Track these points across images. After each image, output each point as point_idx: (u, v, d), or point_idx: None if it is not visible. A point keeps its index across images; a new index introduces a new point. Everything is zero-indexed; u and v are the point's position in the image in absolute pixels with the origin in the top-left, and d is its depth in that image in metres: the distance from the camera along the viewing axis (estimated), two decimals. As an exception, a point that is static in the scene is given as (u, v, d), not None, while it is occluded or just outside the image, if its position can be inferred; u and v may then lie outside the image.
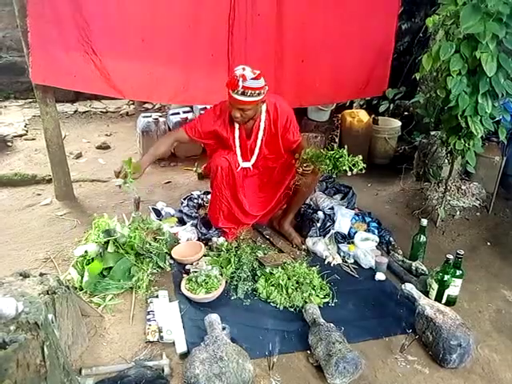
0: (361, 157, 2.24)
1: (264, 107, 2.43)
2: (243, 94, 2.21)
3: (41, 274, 1.84)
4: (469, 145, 2.54)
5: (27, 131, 4.39)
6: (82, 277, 2.17)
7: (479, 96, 2.36)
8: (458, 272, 2.11)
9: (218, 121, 2.46)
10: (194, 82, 2.89)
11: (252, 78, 2.19)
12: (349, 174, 2.20)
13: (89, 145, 4.28)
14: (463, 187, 3.09)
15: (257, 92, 2.22)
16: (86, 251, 2.20)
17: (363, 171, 2.22)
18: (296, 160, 2.38)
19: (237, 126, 2.45)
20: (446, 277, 2.10)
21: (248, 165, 2.59)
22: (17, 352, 1.31)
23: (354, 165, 2.20)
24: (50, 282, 1.78)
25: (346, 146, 2.29)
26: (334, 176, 2.41)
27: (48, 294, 1.71)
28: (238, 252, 2.45)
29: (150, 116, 4.00)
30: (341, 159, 2.20)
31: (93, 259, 2.19)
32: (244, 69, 2.20)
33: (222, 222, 2.63)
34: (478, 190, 3.10)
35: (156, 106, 5.13)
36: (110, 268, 2.22)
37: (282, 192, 2.64)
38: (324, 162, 2.23)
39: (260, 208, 2.69)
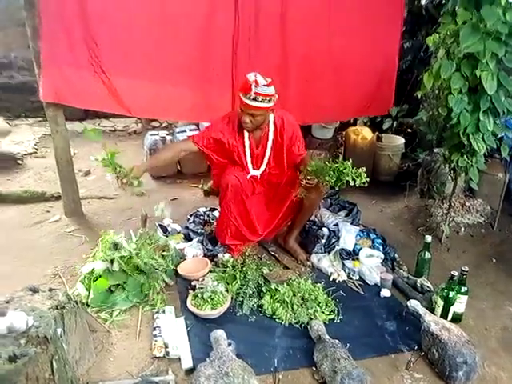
0: (364, 169, 2.27)
1: (272, 118, 2.48)
2: (255, 99, 2.27)
3: (50, 290, 1.87)
4: (471, 162, 2.57)
5: (37, 149, 4.49)
6: (90, 292, 2.20)
7: (480, 114, 2.39)
8: (463, 289, 2.11)
9: (226, 129, 2.50)
10: (199, 100, 2.96)
11: (264, 85, 2.26)
12: (351, 183, 2.23)
13: (97, 162, 4.33)
14: (467, 204, 3.10)
15: (267, 98, 2.29)
16: (92, 269, 2.23)
17: (366, 184, 2.25)
18: (300, 172, 2.42)
19: (246, 134, 2.50)
20: (451, 293, 2.10)
21: (257, 173, 2.61)
22: (26, 366, 1.34)
23: (357, 176, 2.24)
24: (59, 297, 1.81)
25: (350, 159, 2.33)
26: (338, 188, 2.44)
27: (57, 308, 1.74)
28: (244, 268, 2.46)
29: (157, 134, 4.07)
30: (345, 171, 2.24)
31: (100, 276, 2.21)
32: (256, 75, 2.27)
33: (229, 239, 2.65)
34: (482, 206, 3.11)
35: (163, 125, 5.22)
36: (118, 284, 2.25)
37: (286, 207, 2.67)
38: (328, 174, 2.26)
39: (266, 225, 2.72)
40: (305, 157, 2.61)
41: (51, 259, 2.65)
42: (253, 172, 2.61)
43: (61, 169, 3.07)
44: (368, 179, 2.25)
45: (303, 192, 2.44)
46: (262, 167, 2.61)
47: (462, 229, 2.99)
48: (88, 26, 2.65)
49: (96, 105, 3.01)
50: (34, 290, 1.85)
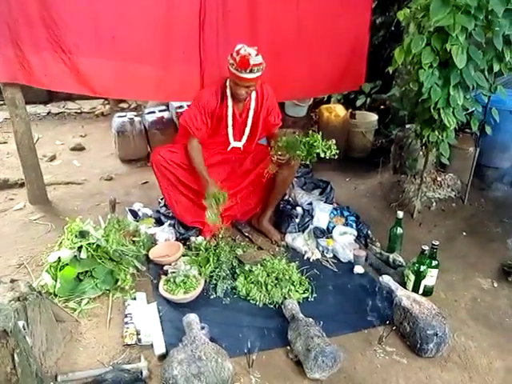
0: (334, 141, 2.26)
1: None
2: (251, 71, 2.25)
3: (11, 281, 1.80)
4: (442, 136, 2.58)
5: (-2, 134, 4.29)
6: (56, 282, 2.12)
7: (451, 88, 2.39)
8: (434, 262, 2.14)
9: (212, 101, 2.46)
10: (166, 79, 2.84)
11: (256, 55, 2.24)
12: (322, 156, 2.22)
13: (63, 147, 4.20)
14: (439, 179, 3.14)
15: (261, 67, 2.28)
16: (59, 257, 2.15)
17: (336, 156, 2.25)
18: (271, 148, 2.40)
19: (230, 103, 2.46)
20: (422, 267, 2.13)
21: (239, 144, 2.60)
22: (-16, 361, 1.28)
23: (327, 149, 2.23)
24: (21, 288, 1.74)
25: (320, 132, 2.32)
26: (309, 162, 2.44)
27: (19, 300, 1.67)
28: (217, 251, 2.43)
29: (125, 116, 3.94)
30: (315, 144, 2.22)
31: (67, 264, 2.13)
32: (245, 48, 2.24)
33: (191, 220, 2.62)
34: (453, 181, 3.15)
35: (132, 106, 5.06)
36: (87, 271, 2.18)
37: (248, 182, 2.64)
38: (299, 148, 2.25)
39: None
40: (276, 133, 2.59)
41: (16, 249, 2.55)
42: (234, 143, 2.58)
43: (23, 154, 2.93)
44: (338, 151, 2.26)
45: (274, 168, 2.42)
46: (244, 137, 2.58)
47: (434, 203, 3.02)
48: (45, 1, 2.49)
49: (57, 85, 2.86)
50: (-5, 282, 1.77)
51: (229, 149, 2.59)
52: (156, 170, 2.49)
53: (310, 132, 2.32)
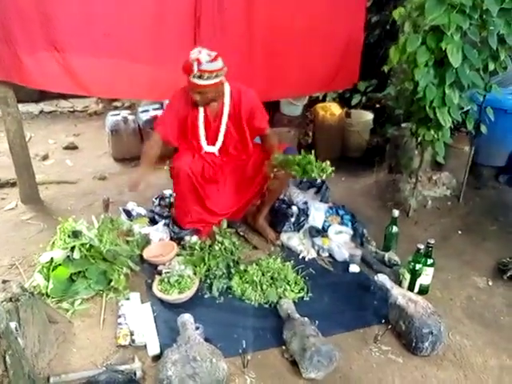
0: (328, 162, 2.23)
1: (228, 91, 2.39)
2: (200, 77, 2.18)
3: (3, 282, 1.79)
4: (438, 135, 2.58)
5: (-11, 133, 4.22)
6: (49, 282, 2.09)
7: (446, 87, 2.39)
8: (429, 261, 2.14)
9: (181, 104, 2.41)
10: (161, 77, 2.82)
11: (208, 61, 2.15)
12: (318, 180, 2.20)
13: (55, 146, 4.15)
14: (434, 177, 3.14)
15: (214, 74, 2.19)
16: (51, 258, 2.12)
17: (333, 175, 2.22)
18: (267, 166, 2.37)
19: (201, 109, 2.41)
20: (418, 266, 2.12)
21: (213, 149, 2.54)
22: (-26, 363, 1.26)
23: (322, 170, 2.20)
24: (13, 289, 1.72)
25: (312, 152, 2.28)
26: (305, 180, 2.42)
27: (11, 301, 1.65)
28: (212, 252, 2.40)
29: (119, 114, 3.90)
30: (308, 165, 2.20)
31: (59, 265, 2.10)
32: (200, 52, 2.16)
33: (189, 224, 2.59)
34: (448, 179, 3.16)
35: (125, 104, 5.01)
36: (80, 272, 2.15)
37: (254, 188, 2.61)
38: (294, 169, 2.24)
39: (232, 204, 2.65)
40: (269, 134, 2.54)
41: (7, 249, 2.52)
42: (207, 148, 2.53)
43: (15, 153, 2.90)
44: (333, 168, 2.22)
45: (275, 182, 2.41)
46: (218, 143, 2.52)
47: (429, 202, 3.03)
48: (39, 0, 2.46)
49: (51, 85, 2.83)
50: (-15, 283, 1.74)
51: (202, 152, 2.51)
52: (180, 176, 2.41)
53: (303, 152, 2.28)
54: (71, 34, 2.59)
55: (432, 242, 2.12)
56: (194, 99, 2.31)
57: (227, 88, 2.39)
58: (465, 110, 2.66)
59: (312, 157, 2.24)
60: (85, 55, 2.66)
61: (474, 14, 2.24)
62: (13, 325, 1.53)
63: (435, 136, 2.58)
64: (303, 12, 2.99)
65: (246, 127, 2.49)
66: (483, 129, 2.78)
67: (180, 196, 2.51)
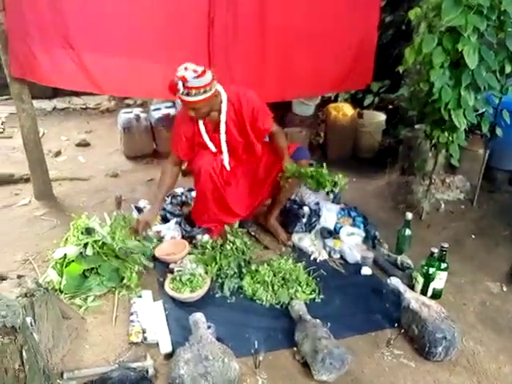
0: (341, 175, 2.23)
1: (225, 99, 2.35)
2: (188, 94, 2.14)
3: (18, 277, 1.80)
4: (452, 138, 2.56)
5: (4, 129, 4.27)
6: (62, 278, 2.11)
7: (462, 89, 2.37)
8: (443, 265, 2.12)
9: (183, 123, 2.41)
10: (173, 76, 2.82)
11: (194, 77, 2.11)
12: (331, 196, 2.20)
13: (68, 142, 4.19)
14: (448, 180, 3.11)
15: (202, 90, 2.14)
16: (65, 254, 2.13)
17: (346, 187, 2.24)
18: (280, 178, 2.38)
19: (200, 122, 2.39)
20: (431, 270, 2.10)
21: (222, 158, 2.51)
22: (-7, 358, 1.27)
23: (334, 184, 2.21)
24: (28, 284, 1.74)
25: (324, 165, 2.28)
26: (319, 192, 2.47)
27: (26, 296, 1.67)
28: (223, 251, 2.40)
29: (131, 112, 3.92)
30: (321, 179, 2.21)
31: (73, 261, 2.12)
32: (186, 68, 2.12)
33: (206, 222, 2.59)
34: (462, 182, 3.13)
35: (138, 102, 5.04)
36: (92, 268, 2.17)
37: (266, 188, 2.61)
38: (308, 182, 2.25)
39: (247, 206, 2.65)
40: (276, 133, 2.51)
41: (21, 244, 2.54)
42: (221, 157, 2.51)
43: (29, 149, 2.93)
44: (347, 181, 2.23)
45: (289, 189, 2.45)
46: (224, 151, 2.48)
47: (442, 205, 3.00)
48: None
49: (65, 83, 2.85)
50: (1, 278, 1.77)
51: (226, 166, 2.51)
52: (201, 175, 2.40)
53: (314, 164, 2.30)
54: (86, 32, 2.60)
55: (446, 245, 2.10)
56: (190, 115, 2.29)
57: (224, 96, 2.34)
58: (480, 112, 2.64)
59: (324, 170, 2.24)
60: (99, 53, 2.67)
61: (491, 15, 2.21)
62: (28, 320, 1.54)
63: (450, 138, 2.56)
64: (316, 12, 2.97)
65: (250, 130, 2.44)
66: (498, 132, 2.75)
67: (200, 195, 2.50)
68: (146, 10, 2.64)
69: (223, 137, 2.43)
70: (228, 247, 2.41)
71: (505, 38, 2.30)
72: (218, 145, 2.47)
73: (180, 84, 2.11)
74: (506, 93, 2.56)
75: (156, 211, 2.47)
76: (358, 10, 3.11)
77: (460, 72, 2.34)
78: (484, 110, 2.63)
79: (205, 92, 2.16)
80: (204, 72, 2.15)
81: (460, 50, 2.23)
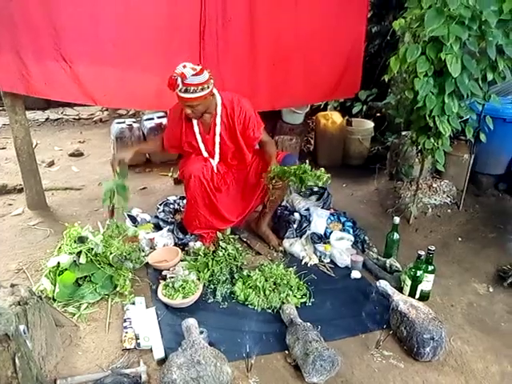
0: (323, 169, 2.29)
1: (219, 102, 2.42)
2: (186, 91, 2.22)
3: (12, 285, 1.80)
4: (438, 144, 2.62)
5: (-3, 140, 4.30)
6: (55, 286, 2.13)
7: (445, 96, 2.43)
8: (430, 267, 2.16)
9: (176, 121, 2.48)
10: (166, 88, 2.87)
11: (193, 75, 2.19)
12: (316, 188, 2.26)
13: (61, 152, 4.22)
14: (434, 185, 3.18)
15: (200, 87, 2.22)
16: (58, 262, 2.15)
17: (329, 182, 2.29)
18: (265, 178, 2.41)
19: (195, 122, 2.45)
20: (419, 272, 2.15)
21: (213, 162, 2.56)
22: (-15, 365, 1.28)
23: (318, 178, 2.26)
24: (22, 292, 1.75)
25: (307, 161, 2.35)
26: (303, 190, 2.47)
27: (20, 304, 1.68)
28: (215, 257, 2.43)
29: (124, 122, 3.96)
30: (304, 175, 2.25)
31: (66, 269, 2.14)
32: (185, 66, 2.21)
33: (198, 229, 2.62)
34: (448, 187, 3.19)
35: (130, 112, 5.09)
36: (86, 276, 2.19)
37: (258, 195, 2.65)
38: (290, 179, 2.29)
39: (239, 213, 2.70)
40: (266, 142, 2.57)
41: (15, 254, 2.56)
42: (212, 161, 2.56)
43: (22, 160, 2.95)
44: (329, 175, 2.29)
45: (274, 193, 2.45)
46: (216, 155, 2.54)
47: (430, 209, 3.06)
48: (45, 8, 2.51)
49: (58, 95, 2.87)
50: (-5, 287, 1.77)
51: (214, 169, 2.56)
52: (191, 181, 2.45)
53: (298, 162, 2.35)
54: (78, 43, 2.63)
55: (433, 248, 2.15)
56: (186, 113, 2.35)
57: (219, 99, 2.41)
58: (464, 118, 2.71)
59: (307, 166, 2.29)
60: (92, 65, 2.70)
61: (473, 26, 2.28)
62: (22, 327, 1.56)
63: (435, 144, 2.62)
64: (306, 23, 3.05)
65: (241, 137, 2.50)
66: (482, 137, 2.82)
67: (191, 201, 2.54)
68: (137, 22, 2.69)
69: (217, 138, 2.48)
70: (220, 253, 2.45)
71: (486, 46, 2.36)
72: (208, 149, 2.52)
73: (179, 80, 2.18)
74: (488, 100, 2.64)
75: (132, 151, 2.57)
76: (346, 21, 3.19)
77: (443, 80, 2.41)
78: (468, 116, 2.71)
79: (202, 89, 2.23)
80: (202, 70, 2.23)
81: (443, 58, 2.30)
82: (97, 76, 2.74)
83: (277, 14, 2.98)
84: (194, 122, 2.45)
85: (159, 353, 1.84)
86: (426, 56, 2.37)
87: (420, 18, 2.41)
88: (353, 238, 2.67)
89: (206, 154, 2.54)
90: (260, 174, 2.56)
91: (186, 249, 2.59)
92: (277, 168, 2.36)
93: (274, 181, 2.37)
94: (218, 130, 2.46)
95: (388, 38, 4.01)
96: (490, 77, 2.48)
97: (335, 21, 3.15)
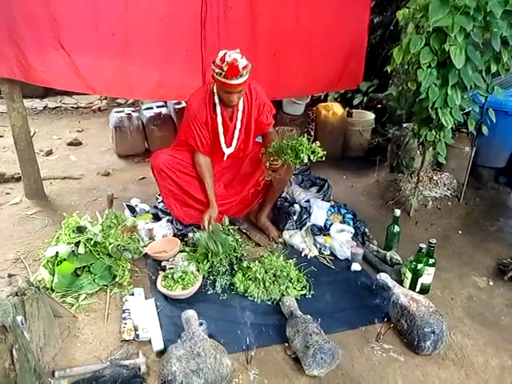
0: (318, 143, 2.25)
1: None
2: (241, 76, 2.16)
3: (9, 275, 1.79)
4: (439, 136, 2.60)
5: (-6, 128, 4.25)
6: (54, 277, 2.11)
7: (449, 88, 2.40)
8: (431, 260, 2.16)
9: (202, 112, 2.39)
10: (168, 77, 2.84)
11: (241, 58, 2.16)
12: (305, 161, 2.22)
13: (60, 141, 4.18)
14: (435, 177, 3.16)
15: (247, 70, 2.19)
16: (56, 252, 2.13)
17: (323, 158, 2.24)
18: (263, 154, 2.38)
19: (218, 110, 2.39)
20: (419, 265, 2.14)
21: (231, 150, 2.54)
22: (-17, 356, 1.27)
23: (313, 152, 2.22)
24: (19, 283, 1.73)
25: (305, 135, 2.31)
26: (298, 166, 2.43)
27: (17, 295, 1.66)
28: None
29: (123, 111, 3.92)
30: (300, 147, 2.21)
31: (64, 259, 2.12)
32: (230, 54, 2.14)
33: (189, 219, 2.61)
34: (449, 180, 3.17)
35: (129, 101, 5.04)
36: (84, 267, 2.17)
37: (251, 186, 2.64)
38: (287, 153, 2.24)
39: (225, 201, 2.67)
40: (271, 132, 2.56)
41: (12, 243, 2.54)
42: (227, 150, 2.54)
43: (20, 148, 2.92)
44: (324, 152, 2.24)
45: (270, 174, 2.41)
46: (234, 142, 2.52)
47: (430, 202, 3.05)
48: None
49: (56, 83, 2.83)
50: (-8, 277, 1.75)
51: (225, 158, 2.56)
52: (156, 174, 2.47)
53: (295, 135, 2.29)
54: (78, 33, 2.60)
55: (434, 241, 2.14)
56: (231, 100, 2.28)
57: None
58: (466, 111, 2.69)
59: (304, 139, 2.26)
60: (91, 54, 2.67)
61: (477, 16, 2.25)
62: (19, 318, 1.54)
63: (437, 136, 2.60)
64: (308, 13, 3.01)
65: (254, 124, 2.49)
66: (484, 130, 2.80)
67: (164, 191, 2.54)
68: (138, 10, 2.65)
69: (239, 124, 2.45)
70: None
71: (490, 38, 2.33)
72: (227, 138, 2.49)
73: (240, 65, 2.12)
74: (491, 92, 2.61)
75: (216, 204, 2.51)
76: (349, 11, 3.15)
77: (447, 72, 2.38)
78: (470, 108, 2.68)
79: (248, 72, 2.20)
80: (242, 53, 2.19)
81: (447, 50, 2.27)
82: (96, 65, 2.71)
83: (278, 4, 2.93)
84: (218, 112, 2.39)
85: (158, 344, 1.83)
86: (429, 47, 2.34)
87: (424, 8, 2.38)
88: (353, 230, 2.66)
89: (224, 146, 2.50)
90: (256, 164, 2.55)
91: (185, 239, 2.57)
92: (277, 144, 2.32)
93: (271, 158, 2.33)
94: (239, 115, 2.44)
95: (391, 28, 3.96)
96: (493, 68, 2.46)
97: (338, 10, 3.10)
